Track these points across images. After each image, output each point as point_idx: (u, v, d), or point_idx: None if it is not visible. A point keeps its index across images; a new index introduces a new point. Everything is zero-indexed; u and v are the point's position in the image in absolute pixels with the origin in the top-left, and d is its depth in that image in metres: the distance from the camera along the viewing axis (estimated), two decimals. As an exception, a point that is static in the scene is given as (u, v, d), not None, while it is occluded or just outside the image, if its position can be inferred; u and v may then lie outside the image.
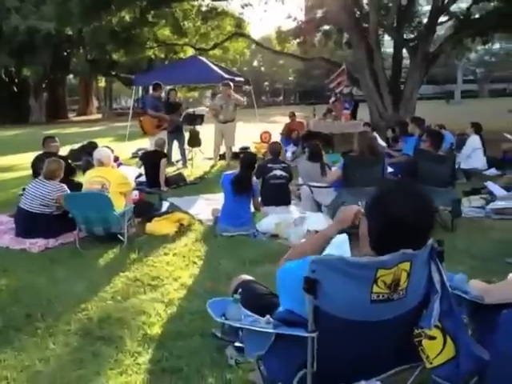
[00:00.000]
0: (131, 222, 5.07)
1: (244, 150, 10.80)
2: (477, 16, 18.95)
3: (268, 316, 1.95)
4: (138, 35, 19.42)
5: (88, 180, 4.97)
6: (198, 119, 9.11)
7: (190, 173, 9.13)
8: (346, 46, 25.02)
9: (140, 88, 26.09)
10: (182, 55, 23.21)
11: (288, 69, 59.33)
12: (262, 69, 64.36)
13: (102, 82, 46.38)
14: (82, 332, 3.07)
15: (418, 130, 7.16)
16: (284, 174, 5.47)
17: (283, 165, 5.69)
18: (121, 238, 4.83)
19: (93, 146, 7.62)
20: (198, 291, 3.64)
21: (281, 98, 65.23)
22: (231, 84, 9.94)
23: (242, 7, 22.11)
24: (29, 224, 4.98)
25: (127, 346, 2.86)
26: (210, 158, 10.47)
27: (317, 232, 4.19)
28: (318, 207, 5.10)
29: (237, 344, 2.52)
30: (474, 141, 7.99)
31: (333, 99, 15.99)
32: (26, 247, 4.79)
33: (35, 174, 6.61)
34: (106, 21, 18.18)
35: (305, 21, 25.63)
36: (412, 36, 19.09)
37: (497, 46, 46.17)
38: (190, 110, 9.59)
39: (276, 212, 5.25)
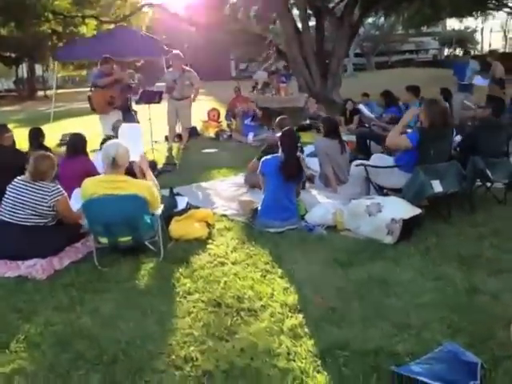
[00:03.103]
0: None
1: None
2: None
3: None
4: (33, 6, 16.93)
5: (95, 192, 3.60)
6: (156, 96, 7.92)
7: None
8: (254, 19, 24.51)
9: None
10: (83, 29, 20.83)
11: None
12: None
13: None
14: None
15: (415, 100, 6.78)
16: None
17: None
18: (151, 247, 3.80)
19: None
20: (314, 313, 2.84)
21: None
22: (182, 55, 8.82)
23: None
24: (18, 241, 3.74)
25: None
26: (156, 141, 9.27)
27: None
28: (377, 191, 4.44)
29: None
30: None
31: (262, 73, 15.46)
32: (22, 273, 3.57)
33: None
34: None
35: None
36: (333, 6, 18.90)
37: (381, 19, 48.60)
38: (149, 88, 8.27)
39: (323, 197, 4.53)
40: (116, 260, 3.72)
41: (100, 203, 3.47)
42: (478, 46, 58.21)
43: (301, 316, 2.81)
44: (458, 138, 5.21)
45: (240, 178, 6.25)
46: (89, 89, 8.35)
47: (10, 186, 3.86)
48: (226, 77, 43.01)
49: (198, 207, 4.85)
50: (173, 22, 40.57)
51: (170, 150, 8.83)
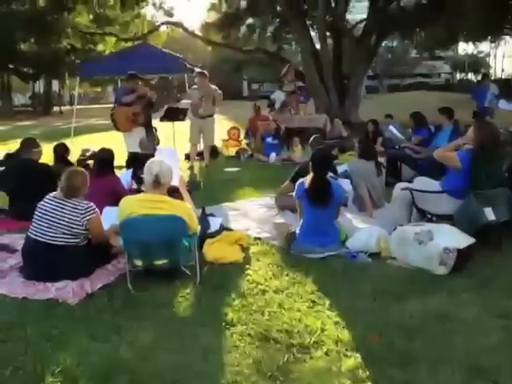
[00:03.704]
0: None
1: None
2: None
3: None
4: (55, 22, 17.07)
5: (133, 211, 3.42)
6: (180, 114, 7.79)
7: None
8: (270, 39, 24.60)
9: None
10: (101, 46, 20.98)
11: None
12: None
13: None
14: None
15: (448, 122, 6.57)
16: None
17: None
18: (186, 271, 3.59)
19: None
20: (373, 352, 2.60)
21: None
22: (207, 73, 8.74)
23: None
24: (47, 261, 3.54)
25: None
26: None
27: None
28: (421, 217, 4.21)
29: None
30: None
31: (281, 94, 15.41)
32: (52, 296, 3.36)
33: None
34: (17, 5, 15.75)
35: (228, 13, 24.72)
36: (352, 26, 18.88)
37: (394, 42, 48.80)
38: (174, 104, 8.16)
39: (359, 222, 4.31)
40: (150, 284, 3.50)
41: (138, 223, 3.28)
42: (491, 71, 58.26)
43: (359, 355, 2.57)
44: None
45: (268, 199, 6.05)
46: (108, 106, 8.27)
47: (42, 203, 3.68)
48: (238, 96, 43.27)
49: (230, 229, 4.65)
50: (187, 40, 40.97)
51: (191, 168, 8.69)
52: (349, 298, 3.24)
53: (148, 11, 21.25)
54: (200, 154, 9.25)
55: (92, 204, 3.68)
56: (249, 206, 5.75)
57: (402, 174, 6.64)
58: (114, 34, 19.13)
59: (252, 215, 5.36)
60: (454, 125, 6.51)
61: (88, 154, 10.12)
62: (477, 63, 55.30)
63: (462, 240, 3.55)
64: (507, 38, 31.65)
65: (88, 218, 3.60)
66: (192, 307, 3.23)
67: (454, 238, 3.55)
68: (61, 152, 6.01)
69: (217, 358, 2.60)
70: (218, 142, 10.98)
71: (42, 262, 3.54)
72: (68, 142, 8.81)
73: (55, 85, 37.44)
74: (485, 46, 48.54)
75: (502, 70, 57.34)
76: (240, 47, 21.77)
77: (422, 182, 4.45)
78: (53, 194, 3.71)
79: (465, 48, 53.56)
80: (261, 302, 3.23)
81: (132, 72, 7.62)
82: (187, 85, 9.60)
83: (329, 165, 4.21)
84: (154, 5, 21.50)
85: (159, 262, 3.43)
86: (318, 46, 17.13)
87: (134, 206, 3.38)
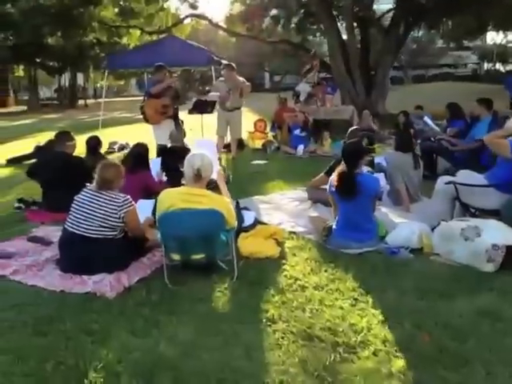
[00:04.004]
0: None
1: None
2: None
3: None
4: (80, 16, 17.17)
5: (172, 205, 3.35)
6: (208, 107, 7.71)
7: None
8: (294, 30, 24.35)
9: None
10: (125, 40, 21.04)
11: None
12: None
13: (18, 71, 41.81)
14: None
15: (487, 113, 6.35)
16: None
17: None
18: (222, 266, 3.53)
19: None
20: (424, 353, 2.49)
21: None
22: (234, 65, 8.64)
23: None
24: (84, 254, 3.52)
25: None
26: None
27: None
28: (466, 212, 4.05)
29: None
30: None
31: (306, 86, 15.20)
32: (90, 289, 3.33)
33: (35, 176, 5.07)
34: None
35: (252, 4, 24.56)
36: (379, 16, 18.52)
37: (420, 32, 47.86)
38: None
39: (395, 216, 4.18)
40: (187, 278, 3.45)
41: (177, 217, 3.22)
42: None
43: (409, 356, 2.46)
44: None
45: (300, 193, 5.96)
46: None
47: (78, 195, 3.66)
48: (260, 89, 43.04)
49: (264, 223, 4.57)
50: (210, 33, 40.91)
51: (219, 160, 8.62)
52: (393, 296, 3.12)
53: (172, 4, 21.11)
54: (227, 147, 9.18)
55: (129, 197, 3.64)
56: (280, 199, 5.65)
57: (438, 167, 6.45)
58: (139, 26, 19.16)
59: (284, 208, 5.27)
60: (493, 116, 6.29)
61: (115, 146, 10.18)
62: (505, 53, 53.87)
63: (511, 236, 3.39)
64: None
65: (125, 210, 3.56)
66: (230, 302, 3.15)
67: (503, 234, 3.39)
68: (94, 144, 6.00)
69: (260, 356, 2.53)
70: (244, 135, 10.90)
71: (79, 254, 3.52)
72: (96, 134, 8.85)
73: (80, 78, 37.85)
74: (514, 36, 47.09)
75: (532, 60, 55.68)
76: (264, 39, 21.59)
77: (464, 176, 4.28)
78: (89, 186, 3.69)
79: (493, 37, 52.27)
80: (301, 298, 3.14)
81: (159, 63, 7.56)
82: (214, 77, 9.50)
83: (359, 158, 4.07)
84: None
85: (196, 257, 3.37)
86: (344, 37, 16.85)
87: (174, 198, 3.32)
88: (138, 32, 19.56)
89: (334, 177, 4.08)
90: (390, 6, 18.63)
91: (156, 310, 3.04)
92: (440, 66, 52.99)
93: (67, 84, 34.91)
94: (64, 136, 5.10)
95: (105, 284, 3.38)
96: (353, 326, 2.78)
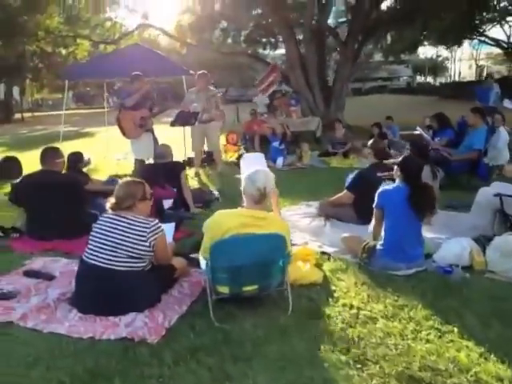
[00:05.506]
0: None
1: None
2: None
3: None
4: (25, 24, 16.00)
5: (229, 229, 2.90)
6: (192, 118, 7.23)
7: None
8: (244, 43, 24.33)
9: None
10: (71, 50, 19.96)
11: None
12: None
13: None
14: None
15: (481, 122, 6.33)
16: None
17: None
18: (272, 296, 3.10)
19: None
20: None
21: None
22: (208, 74, 8.22)
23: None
24: (110, 290, 2.98)
25: None
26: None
27: None
28: (503, 224, 3.86)
29: None
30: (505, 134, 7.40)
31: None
32: (125, 334, 2.79)
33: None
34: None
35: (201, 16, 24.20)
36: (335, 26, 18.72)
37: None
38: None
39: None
40: (231, 314, 3.00)
41: (235, 244, 2.76)
42: (447, 74, 60.23)
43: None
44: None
45: (304, 208, 5.64)
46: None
47: (98, 222, 3.11)
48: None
49: (293, 244, 4.18)
50: (153, 43, 40.02)
51: (197, 175, 8.16)
52: (474, 322, 2.83)
53: (119, 14, 20.37)
54: (204, 161, 8.73)
55: (157, 221, 3.14)
56: (289, 216, 5.27)
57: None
58: (87, 36, 18.22)
59: (298, 226, 4.90)
60: (487, 125, 6.29)
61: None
62: (436, 66, 56.96)
63: None
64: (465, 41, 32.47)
65: (155, 237, 3.06)
66: (298, 341, 2.72)
67: None
68: (75, 160, 5.36)
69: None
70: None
71: (104, 291, 2.97)
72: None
73: (15, 91, 35.66)
74: (443, 51, 49.88)
75: (459, 74, 59.27)
76: (219, 50, 21.33)
77: (500, 186, 4.12)
78: (110, 211, 3.15)
79: (425, 52, 55.10)
80: (377, 331, 2.78)
81: (137, 73, 7.00)
82: (185, 88, 9.02)
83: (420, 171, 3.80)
84: (127, 7, 20.60)
85: (249, 288, 2.92)
86: (301, 50, 16.88)
87: (232, 222, 2.85)
88: (87, 43, 18.59)
89: (406, 191, 3.69)
90: (343, 19, 18.96)
91: (215, 356, 2.57)
92: (375, 79, 54.95)
93: (2, 97, 32.70)
94: (52, 153, 4.46)
95: (140, 326, 2.85)
96: (455, 362, 2.45)
